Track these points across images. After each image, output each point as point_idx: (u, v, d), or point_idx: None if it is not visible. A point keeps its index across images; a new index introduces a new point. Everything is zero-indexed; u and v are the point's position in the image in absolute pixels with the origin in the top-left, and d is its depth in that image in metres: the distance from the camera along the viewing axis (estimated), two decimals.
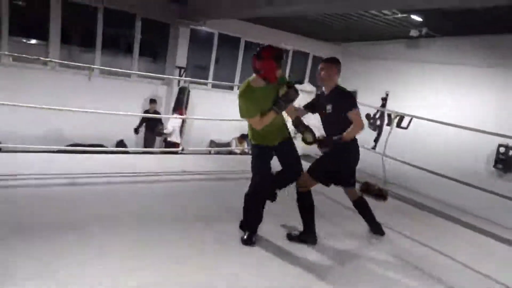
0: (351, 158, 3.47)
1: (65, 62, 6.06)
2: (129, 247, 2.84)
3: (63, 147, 6.32)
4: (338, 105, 3.30)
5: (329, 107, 3.37)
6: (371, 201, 4.08)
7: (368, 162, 7.61)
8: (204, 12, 8.17)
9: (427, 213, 5.12)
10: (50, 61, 6.48)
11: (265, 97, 3.06)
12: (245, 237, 3.23)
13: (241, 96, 3.08)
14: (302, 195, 3.34)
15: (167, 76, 8.57)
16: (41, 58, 5.36)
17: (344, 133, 3.20)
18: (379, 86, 9.74)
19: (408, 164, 5.57)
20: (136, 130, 8.16)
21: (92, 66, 6.20)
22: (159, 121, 8.33)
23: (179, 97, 8.75)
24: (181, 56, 8.97)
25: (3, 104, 4.13)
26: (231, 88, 9.85)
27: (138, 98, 8.54)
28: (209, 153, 8.91)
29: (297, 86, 3.49)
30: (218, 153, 8.79)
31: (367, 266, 3.23)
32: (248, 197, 3.27)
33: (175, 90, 8.98)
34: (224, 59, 10.01)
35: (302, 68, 11.17)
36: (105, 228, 3.06)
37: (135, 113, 7.59)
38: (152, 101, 8.42)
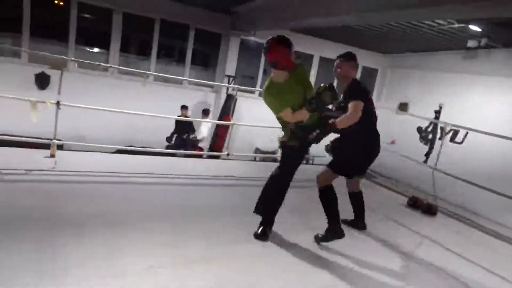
0: (360, 150, 3.36)
1: (124, 68, 6.44)
2: (173, 241, 2.95)
3: (118, 147, 6.73)
4: (348, 98, 3.20)
5: (343, 102, 3.30)
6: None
7: (417, 175, 7.34)
8: (254, 23, 8.37)
9: (478, 232, 4.79)
10: (110, 67, 6.91)
11: (290, 90, 3.02)
12: (259, 232, 3.25)
13: (266, 92, 3.09)
14: (323, 191, 3.30)
15: (216, 84, 8.84)
16: (102, 64, 5.78)
17: (336, 120, 3.04)
18: (432, 98, 9.36)
19: (461, 179, 5.27)
20: (169, 139, 8.23)
21: (147, 72, 6.56)
22: (190, 129, 8.38)
23: (226, 104, 8.97)
24: (231, 65, 9.22)
25: (68, 105, 4.47)
26: None
27: (189, 104, 8.85)
28: (254, 159, 9.02)
29: None
30: (263, 160, 8.87)
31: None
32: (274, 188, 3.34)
33: (223, 97, 9.22)
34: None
35: (328, 76, 11.02)
36: (159, 224, 3.21)
37: (188, 118, 7.86)
38: (184, 107, 8.43)
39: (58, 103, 4.26)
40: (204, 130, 8.34)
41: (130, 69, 6.82)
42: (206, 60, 9.82)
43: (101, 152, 5.60)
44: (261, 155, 9.31)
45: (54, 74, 7.53)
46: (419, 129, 9.56)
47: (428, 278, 3.25)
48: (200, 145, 8.41)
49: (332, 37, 9.73)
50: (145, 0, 8.04)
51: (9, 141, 4.54)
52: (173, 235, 3.11)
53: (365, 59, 10.90)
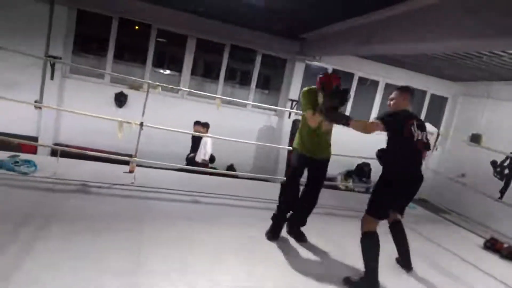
0: (399, 186, 3.20)
1: (194, 91, 6.81)
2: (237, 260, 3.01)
3: (184, 166, 7.05)
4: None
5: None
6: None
7: (493, 214, 6.81)
8: (322, 49, 8.44)
9: None
10: (183, 90, 7.35)
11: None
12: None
13: (302, 94, 3.79)
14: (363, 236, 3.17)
15: (279, 108, 8.97)
16: (174, 87, 6.18)
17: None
18: (510, 130, 8.69)
19: None
20: (188, 159, 7.71)
21: (215, 96, 6.85)
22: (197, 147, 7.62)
23: (293, 130, 9.05)
24: (295, 90, 9.33)
25: (150, 126, 4.81)
26: None
27: (252, 126, 9.07)
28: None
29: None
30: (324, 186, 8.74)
31: None
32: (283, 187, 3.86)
33: (286, 121, 9.32)
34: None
35: (417, 106, 10.60)
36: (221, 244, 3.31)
37: (249, 141, 8.01)
38: (197, 123, 7.60)
39: (141, 124, 4.60)
40: (209, 148, 7.49)
41: (199, 92, 7.19)
42: (270, 84, 10.04)
43: (171, 169, 5.91)
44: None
45: (131, 93, 8.18)
46: (493, 163, 8.86)
47: None
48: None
49: (399, 63, 9.49)
50: (217, 27, 8.47)
51: (93, 155, 4.95)
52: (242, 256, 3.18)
53: (434, 86, 10.48)
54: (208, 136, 7.16)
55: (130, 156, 4.82)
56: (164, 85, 5.38)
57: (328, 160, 3.83)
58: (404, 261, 3.61)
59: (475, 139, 9.45)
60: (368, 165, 9.33)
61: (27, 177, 3.94)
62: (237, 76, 10.12)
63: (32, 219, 3.06)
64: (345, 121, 3.31)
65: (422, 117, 10.39)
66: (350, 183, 8.99)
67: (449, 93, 10.73)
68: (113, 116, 5.18)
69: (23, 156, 4.46)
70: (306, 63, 9.41)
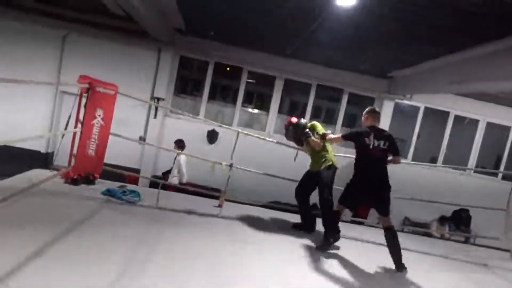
0: (359, 183, 4.07)
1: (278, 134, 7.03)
2: None
3: (266, 204, 7.17)
4: None
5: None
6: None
7: None
8: (412, 87, 8.17)
9: None
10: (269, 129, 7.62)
11: None
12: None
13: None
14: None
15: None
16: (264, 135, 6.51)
17: (330, 135, 4.59)
18: None
19: None
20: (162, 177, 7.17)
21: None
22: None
23: None
24: (385, 127, 9.05)
25: (238, 168, 5.11)
26: (434, 162, 9.19)
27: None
28: (402, 230, 8.33)
29: None
30: (412, 232, 8.12)
31: None
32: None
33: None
34: (428, 133, 9.53)
35: (497, 144, 9.46)
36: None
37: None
38: (178, 141, 7.05)
39: (231, 165, 4.94)
40: (184, 168, 6.98)
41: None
42: (357, 123, 9.90)
43: (253, 205, 6.09)
44: (410, 227, 8.54)
45: (221, 130, 8.73)
46: None
47: None
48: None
49: (502, 100, 8.69)
50: (304, 67, 8.77)
51: (191, 190, 5.37)
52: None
53: None
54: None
55: (220, 191, 5.11)
56: (250, 134, 5.76)
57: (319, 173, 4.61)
58: (396, 263, 4.01)
59: None
60: (466, 211, 8.47)
61: (133, 206, 4.41)
62: (322, 115, 10.20)
63: (140, 245, 3.39)
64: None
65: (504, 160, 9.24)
66: (446, 230, 8.22)
67: None
68: (205, 151, 5.60)
69: (129, 186, 5.02)
70: (395, 102, 9.14)
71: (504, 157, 9.30)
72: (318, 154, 4.71)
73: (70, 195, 4.24)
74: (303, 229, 4.82)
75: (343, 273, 3.78)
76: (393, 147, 4.17)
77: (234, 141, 5.25)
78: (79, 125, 4.37)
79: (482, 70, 5.76)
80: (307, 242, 4.49)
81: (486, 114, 9.23)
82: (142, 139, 8.32)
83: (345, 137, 4.32)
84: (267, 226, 4.79)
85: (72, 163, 4.46)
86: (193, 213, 4.63)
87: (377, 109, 4.39)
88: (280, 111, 9.44)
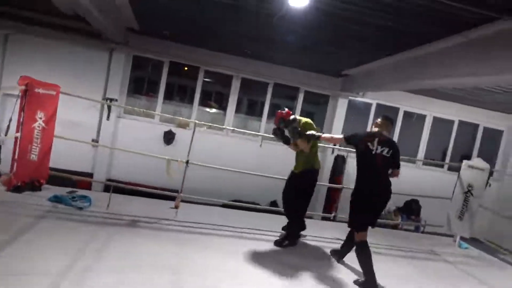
0: (366, 196, 3.69)
1: (237, 129, 7.09)
2: None
3: (227, 202, 7.16)
4: None
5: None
6: None
7: None
8: (365, 85, 8.46)
9: None
10: (229, 128, 7.67)
11: None
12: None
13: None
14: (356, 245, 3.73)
15: (321, 145, 8.93)
16: (226, 127, 6.50)
17: (324, 134, 4.44)
18: None
19: None
20: None
21: (258, 133, 7.04)
22: None
23: (337, 165, 8.96)
24: (338, 125, 9.33)
25: (195, 164, 5.04)
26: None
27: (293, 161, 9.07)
28: None
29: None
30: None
31: None
32: None
33: (329, 156, 9.26)
34: None
35: (469, 140, 10.11)
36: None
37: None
38: None
39: (187, 162, 4.84)
40: None
41: (245, 131, 7.43)
42: (314, 120, 10.10)
43: (213, 205, 6.05)
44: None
45: (178, 131, 8.60)
46: None
47: None
48: None
49: (448, 96, 9.21)
50: (261, 67, 8.84)
51: (141, 191, 5.22)
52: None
53: (488, 119, 9.97)
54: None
55: (177, 191, 5.02)
56: (209, 124, 5.64)
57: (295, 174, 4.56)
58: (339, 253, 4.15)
59: None
60: (417, 202, 8.92)
61: (83, 212, 4.23)
62: None
63: (84, 252, 3.26)
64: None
65: (475, 151, 9.89)
66: (399, 220, 8.62)
67: (504, 126, 10.15)
68: (162, 152, 5.49)
69: (80, 191, 4.82)
70: (349, 99, 9.43)
71: (449, 149, 9.87)
72: (301, 154, 4.53)
73: (12, 204, 4.00)
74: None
75: (304, 275, 3.86)
76: (395, 157, 3.79)
77: (192, 141, 5.17)
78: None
79: (428, 68, 6.06)
80: (269, 245, 4.51)
81: (432, 109, 9.75)
82: (95, 141, 8.02)
83: (348, 139, 3.94)
84: (228, 228, 4.76)
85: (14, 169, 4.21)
86: (147, 217, 4.51)
87: (390, 116, 4.12)
88: (237, 110, 9.46)
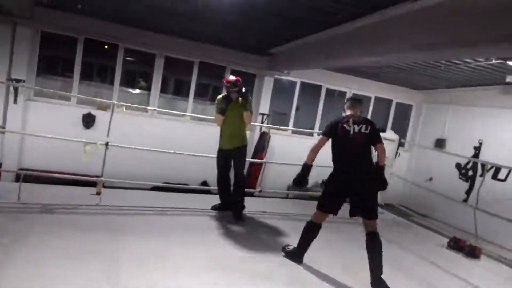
0: (339, 179, 3.56)
1: (162, 110, 6.84)
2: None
3: (157, 184, 6.98)
4: None
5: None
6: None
7: (457, 214, 7.08)
8: (289, 63, 8.66)
9: None
10: (154, 109, 7.35)
11: (231, 106, 4.76)
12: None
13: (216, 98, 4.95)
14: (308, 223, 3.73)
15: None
16: (148, 108, 6.18)
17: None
18: (471, 134, 9.09)
19: (506, 219, 5.02)
20: None
21: (185, 114, 6.89)
22: None
23: (260, 141, 9.13)
24: (265, 103, 9.49)
25: (115, 146, 4.79)
26: (311, 134, 10.02)
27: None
28: (287, 196, 9.00)
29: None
30: (295, 197, 8.82)
31: None
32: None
33: (257, 135, 9.42)
34: (305, 105, 10.31)
35: (384, 114, 10.95)
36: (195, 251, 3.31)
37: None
38: None
39: (107, 144, 4.58)
40: None
41: (168, 111, 7.23)
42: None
43: (140, 189, 5.86)
44: (294, 192, 9.25)
45: (99, 114, 8.07)
46: (458, 166, 9.27)
47: None
48: None
49: (365, 74, 9.82)
50: (185, 45, 8.57)
51: (60, 178, 4.86)
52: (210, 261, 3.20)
53: (399, 95, 10.86)
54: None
55: (98, 177, 4.76)
56: (129, 104, 5.38)
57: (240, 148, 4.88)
58: (373, 278, 3.39)
59: (440, 144, 9.83)
60: None
61: None
62: (208, 93, 10.19)
63: None
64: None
65: (389, 124, 10.73)
66: None
67: (413, 101, 11.14)
68: (81, 137, 5.12)
69: None
70: (275, 78, 9.60)
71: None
72: (240, 129, 4.87)
73: None
74: (225, 209, 4.94)
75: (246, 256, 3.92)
76: (374, 132, 3.62)
77: (115, 124, 4.88)
78: None
79: (348, 47, 6.35)
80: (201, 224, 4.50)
81: (352, 87, 10.34)
82: (1, 127, 7.21)
83: (326, 134, 3.71)
84: (156, 210, 4.64)
85: None
86: (67, 205, 4.23)
87: (357, 98, 4.10)
88: (163, 90, 9.13)
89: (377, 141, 3.65)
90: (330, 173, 3.66)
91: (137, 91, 9.29)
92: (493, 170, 7.81)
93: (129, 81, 9.19)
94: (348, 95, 10.40)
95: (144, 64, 9.12)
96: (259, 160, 8.44)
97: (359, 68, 9.24)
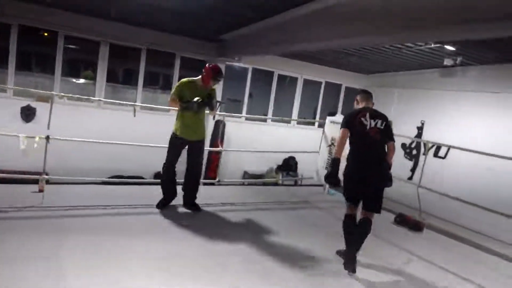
0: (354, 172, 3.62)
1: (109, 100, 6.53)
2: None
3: (106, 179, 6.72)
4: None
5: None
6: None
7: (404, 192, 7.48)
8: (240, 50, 8.59)
9: (462, 244, 4.89)
10: (99, 100, 7.01)
11: (194, 91, 4.37)
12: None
13: (179, 82, 4.52)
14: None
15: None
16: (91, 98, 5.86)
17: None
18: (414, 115, 9.60)
19: (445, 195, 5.40)
20: None
21: (135, 104, 6.60)
22: None
23: (216, 130, 9.06)
24: (217, 91, 9.35)
25: (57, 139, 4.51)
26: (265, 120, 10.09)
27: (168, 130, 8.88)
28: (243, 184, 9.06)
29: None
30: (251, 184, 8.91)
31: None
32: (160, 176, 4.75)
33: (212, 123, 9.31)
34: (258, 92, 10.33)
35: (335, 99, 11.25)
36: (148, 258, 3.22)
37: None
38: None
39: (47, 138, 4.30)
40: None
41: (116, 101, 6.92)
42: None
43: (89, 184, 5.61)
44: (250, 180, 9.32)
45: (39, 106, 7.56)
46: (403, 146, 9.78)
47: None
48: None
49: (316, 59, 9.99)
50: (132, 31, 8.19)
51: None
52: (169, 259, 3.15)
53: (348, 79, 11.19)
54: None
55: (40, 174, 4.47)
56: (71, 95, 5.09)
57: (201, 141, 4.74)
58: (347, 260, 3.60)
59: None
60: (293, 158, 9.70)
61: None
62: (158, 81, 9.89)
63: None
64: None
65: (339, 109, 11.05)
66: (279, 177, 9.29)
67: (362, 85, 11.52)
68: (21, 132, 4.75)
69: None
70: (226, 65, 9.49)
71: (319, 108, 10.87)
72: (203, 121, 4.71)
73: None
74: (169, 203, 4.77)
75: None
76: (388, 129, 3.69)
77: (58, 116, 4.58)
78: None
79: (295, 33, 6.41)
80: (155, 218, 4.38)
81: (303, 72, 10.49)
82: None
83: (346, 126, 3.66)
84: (107, 206, 4.45)
85: None
86: (4, 206, 3.93)
87: (367, 90, 4.08)
88: (111, 80, 8.71)
89: (389, 138, 3.73)
90: (346, 165, 3.67)
91: (82, 81, 8.80)
92: (434, 148, 8.32)
93: (72, 70, 8.67)
94: (299, 81, 10.55)
95: (88, 53, 8.63)
96: (218, 149, 8.34)
97: (310, 54, 9.38)
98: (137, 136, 7.07)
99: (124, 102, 6.46)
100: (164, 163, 4.74)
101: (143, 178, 7.94)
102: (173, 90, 4.53)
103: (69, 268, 2.89)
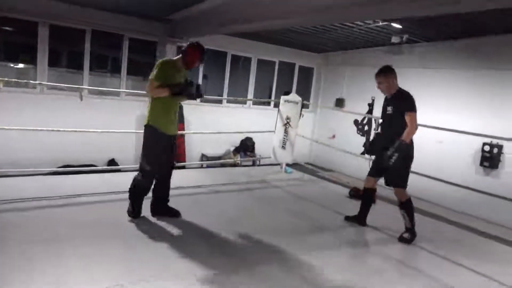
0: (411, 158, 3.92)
1: (52, 84, 6.14)
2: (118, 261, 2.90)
3: (55, 169, 6.39)
4: (398, 107, 3.88)
5: (389, 109, 4.02)
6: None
7: (357, 167, 7.81)
8: (190, 29, 8.34)
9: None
10: (40, 84, 6.56)
11: (176, 75, 3.71)
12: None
13: (160, 63, 3.73)
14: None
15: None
16: (31, 81, 5.45)
17: (403, 137, 3.69)
18: (365, 93, 9.92)
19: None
20: None
21: (81, 87, 6.28)
22: None
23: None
24: None
25: None
26: (220, 101, 9.99)
27: (129, 115, 8.58)
28: (201, 166, 9.00)
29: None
30: (210, 166, 8.87)
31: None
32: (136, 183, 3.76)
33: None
34: (212, 74, 10.17)
35: (289, 78, 11.35)
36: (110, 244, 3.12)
37: (127, 131, 7.60)
38: None
39: None
40: None
41: (59, 84, 6.52)
42: (144, 70, 9.58)
43: (36, 175, 5.31)
44: (207, 162, 9.27)
45: None
46: (356, 122, 10.14)
47: (373, 263, 3.50)
48: None
49: (269, 39, 9.96)
50: (73, 11, 7.68)
51: None
52: (126, 254, 3.06)
53: (301, 58, 11.29)
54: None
55: None
56: (7, 79, 4.73)
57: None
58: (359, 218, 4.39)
59: (339, 103, 10.59)
60: (250, 139, 9.75)
61: None
62: (106, 65, 9.42)
63: None
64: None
65: (294, 88, 11.18)
66: (238, 159, 9.31)
67: (314, 64, 11.70)
68: None
69: None
70: (178, 45, 9.21)
71: (274, 88, 10.92)
72: (177, 114, 3.93)
73: None
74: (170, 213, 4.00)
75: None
76: (399, 107, 4.02)
77: None
78: None
79: (242, 12, 6.31)
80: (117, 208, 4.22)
81: (257, 52, 10.44)
82: None
83: (416, 110, 3.86)
84: (58, 197, 4.23)
85: None
86: None
87: (386, 66, 4.10)
88: (52, 63, 8.14)
89: (405, 112, 3.94)
90: (407, 147, 3.79)
91: (21, 65, 8.18)
92: None
93: (9, 54, 8.02)
94: (253, 61, 10.50)
95: (27, 35, 7.99)
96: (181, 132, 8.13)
97: (263, 34, 9.32)
98: (86, 123, 6.76)
99: (70, 85, 6.08)
100: (144, 169, 3.72)
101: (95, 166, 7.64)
102: (154, 73, 3.64)
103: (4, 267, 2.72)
